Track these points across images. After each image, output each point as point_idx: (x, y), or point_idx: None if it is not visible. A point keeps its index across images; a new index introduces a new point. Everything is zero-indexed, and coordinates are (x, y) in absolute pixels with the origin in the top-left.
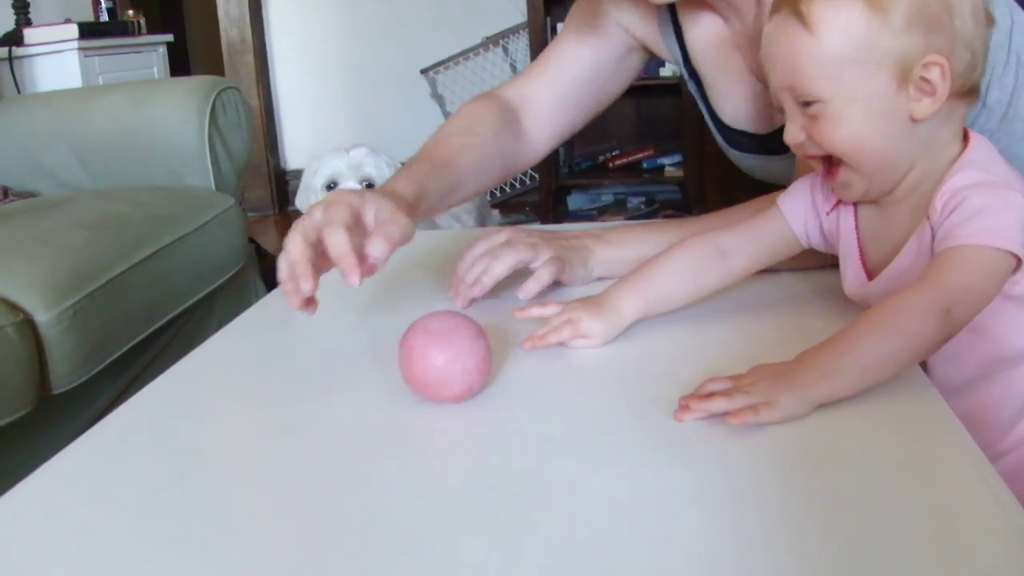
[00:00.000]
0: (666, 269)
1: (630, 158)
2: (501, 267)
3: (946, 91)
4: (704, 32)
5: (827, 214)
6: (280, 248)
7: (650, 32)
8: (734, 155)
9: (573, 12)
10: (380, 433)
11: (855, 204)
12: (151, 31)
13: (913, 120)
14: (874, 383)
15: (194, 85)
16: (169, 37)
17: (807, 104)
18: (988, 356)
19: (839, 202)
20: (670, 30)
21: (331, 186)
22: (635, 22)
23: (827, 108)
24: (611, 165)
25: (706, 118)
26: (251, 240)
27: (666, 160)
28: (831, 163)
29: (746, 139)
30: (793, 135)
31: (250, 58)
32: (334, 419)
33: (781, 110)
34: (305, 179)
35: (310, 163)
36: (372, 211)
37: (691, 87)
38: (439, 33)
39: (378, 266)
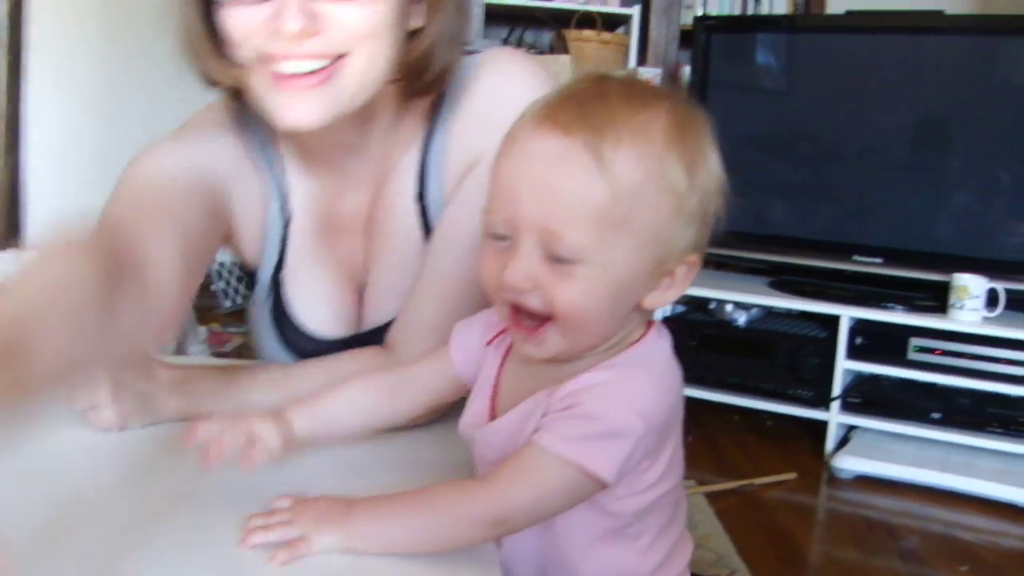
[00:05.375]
0: (343, 400)
1: None
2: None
3: (684, 289)
4: (314, 205)
5: (486, 344)
6: None
7: (249, 205)
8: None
9: (162, 169)
10: None
11: (510, 346)
12: None
13: (640, 307)
14: (408, 553)
15: None
16: None
17: (558, 259)
18: (557, 558)
19: (498, 335)
20: (279, 221)
21: None
22: (239, 190)
23: (581, 270)
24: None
25: (265, 338)
26: None
27: None
28: (535, 319)
29: (327, 345)
30: (521, 281)
31: (2, 127)
32: None
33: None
34: None
35: None
36: None
37: (267, 301)
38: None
39: None
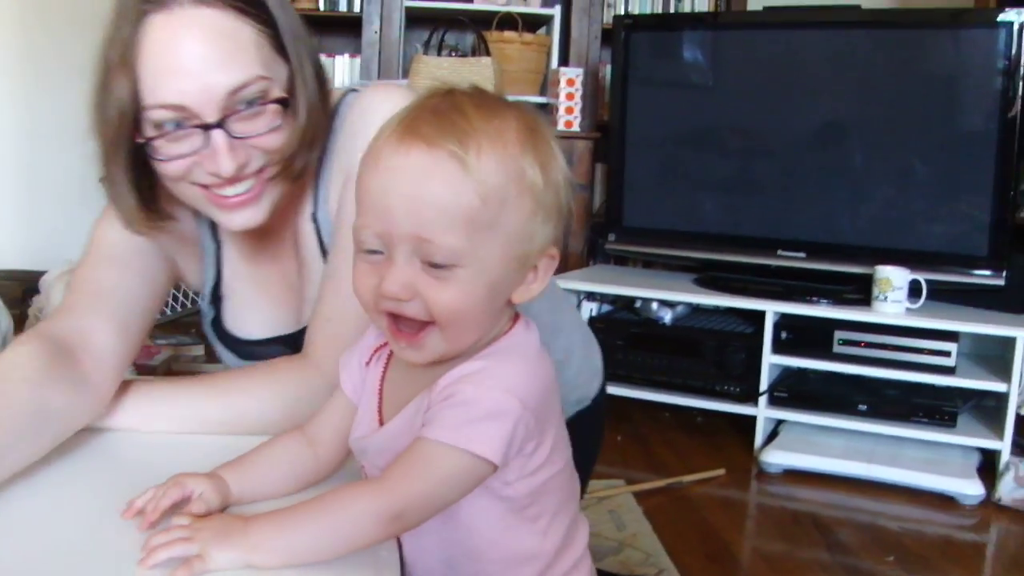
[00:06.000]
0: (266, 456)
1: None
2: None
3: (547, 281)
4: (247, 269)
5: (366, 364)
6: None
7: (186, 256)
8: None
9: (108, 229)
10: None
11: (389, 356)
12: None
13: (510, 301)
14: (310, 562)
15: None
16: None
17: (434, 265)
18: (462, 545)
19: (376, 351)
20: (212, 248)
21: None
22: (176, 247)
23: (458, 273)
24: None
25: (219, 349)
26: None
27: None
28: (414, 325)
29: (278, 345)
30: (399, 291)
31: None
32: None
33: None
34: None
35: None
36: None
37: (208, 316)
38: None
39: None
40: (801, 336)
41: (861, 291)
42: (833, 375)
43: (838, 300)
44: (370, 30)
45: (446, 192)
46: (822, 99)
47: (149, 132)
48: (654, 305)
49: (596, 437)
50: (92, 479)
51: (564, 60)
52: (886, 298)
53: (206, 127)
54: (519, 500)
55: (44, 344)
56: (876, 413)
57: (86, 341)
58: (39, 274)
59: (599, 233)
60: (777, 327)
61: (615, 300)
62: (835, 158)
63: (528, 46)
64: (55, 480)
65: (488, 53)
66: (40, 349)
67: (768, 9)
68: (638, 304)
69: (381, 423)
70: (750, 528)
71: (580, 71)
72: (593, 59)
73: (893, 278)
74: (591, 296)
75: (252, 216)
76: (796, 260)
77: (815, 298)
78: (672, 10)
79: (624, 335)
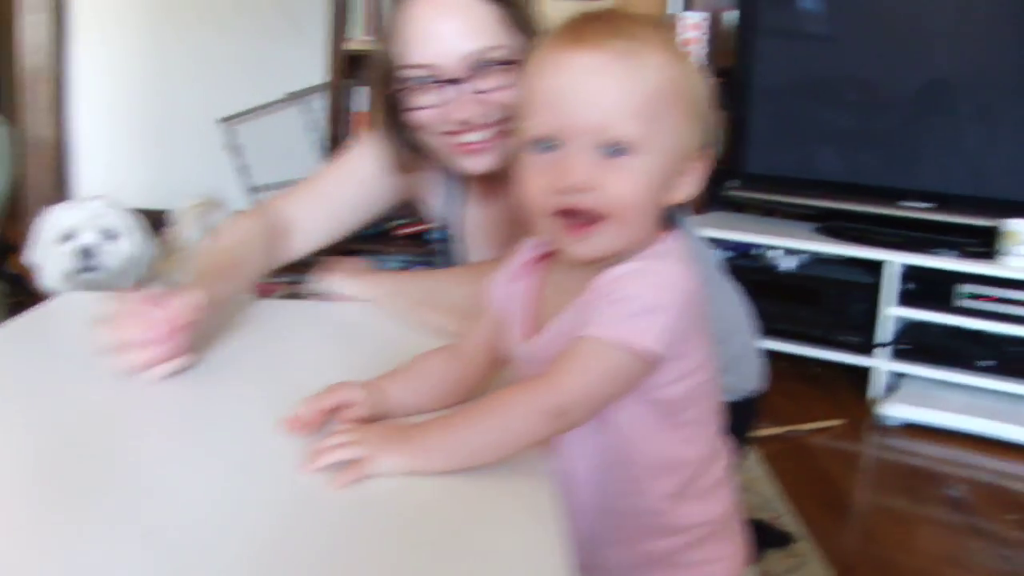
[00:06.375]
0: (421, 367)
1: (416, 228)
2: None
3: (698, 184)
4: (487, 211)
5: (514, 282)
6: None
7: (431, 194)
8: None
9: (357, 152)
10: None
11: (542, 270)
12: None
13: (668, 200)
14: (475, 465)
15: None
16: None
17: (613, 152)
18: (615, 451)
19: (528, 264)
20: (457, 199)
21: (67, 237)
22: (421, 185)
23: (632, 162)
24: (396, 233)
25: None
26: (18, 277)
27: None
28: (583, 219)
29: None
30: (580, 180)
31: (49, 86)
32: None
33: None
34: (40, 233)
35: (45, 216)
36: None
37: (439, 246)
38: (241, 84)
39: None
40: (923, 288)
41: (987, 244)
42: (955, 329)
43: (962, 252)
44: None
45: (620, 86)
46: (949, 47)
47: (404, 86)
48: (774, 253)
49: (749, 425)
50: (256, 390)
51: (688, 3)
52: (1013, 252)
53: (452, 81)
54: (670, 404)
55: (264, 220)
56: (999, 369)
57: (296, 223)
58: (169, 212)
59: (718, 180)
60: (899, 278)
61: (734, 247)
62: (965, 108)
63: None
64: (218, 391)
65: None
66: (258, 222)
67: None
68: (758, 251)
69: (532, 335)
70: (867, 480)
71: (705, 15)
72: (717, 4)
73: (1021, 232)
74: (710, 242)
75: (486, 161)
76: (920, 211)
77: (938, 249)
78: None
79: (743, 282)
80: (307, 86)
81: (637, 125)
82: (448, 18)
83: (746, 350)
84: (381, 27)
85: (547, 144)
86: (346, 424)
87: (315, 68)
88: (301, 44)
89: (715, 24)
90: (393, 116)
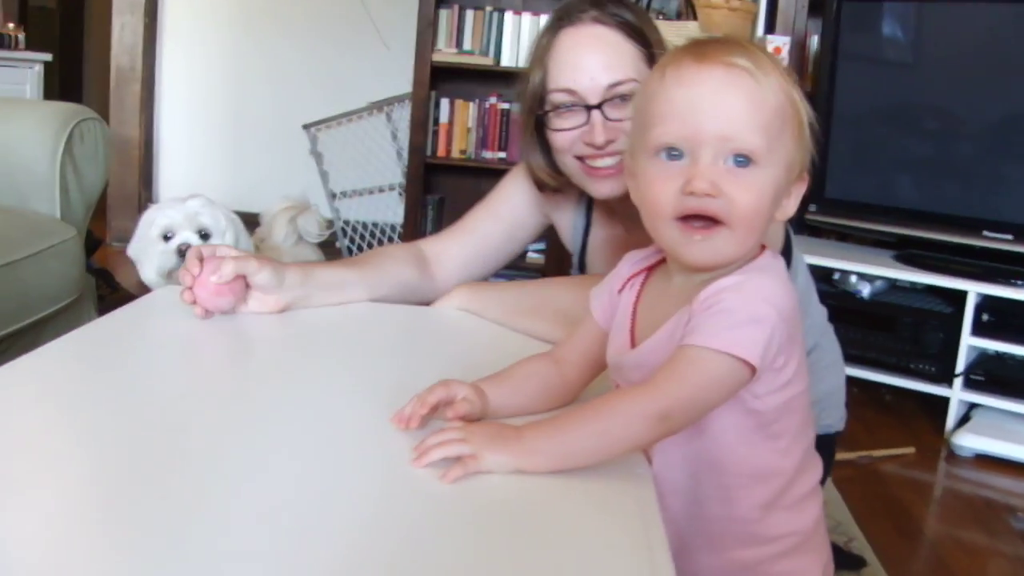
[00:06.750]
0: (522, 371)
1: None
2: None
3: (798, 202)
4: (606, 234)
5: (618, 292)
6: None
7: (564, 221)
8: None
9: (505, 186)
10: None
11: (643, 282)
12: (32, 48)
13: (776, 216)
14: (578, 466)
15: (55, 111)
16: (47, 56)
17: (738, 162)
18: (709, 459)
19: (631, 278)
20: (582, 224)
21: (167, 236)
22: (557, 213)
23: (756, 172)
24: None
25: None
26: (104, 272)
27: (530, 246)
28: (707, 224)
29: None
30: (708, 186)
31: (137, 87)
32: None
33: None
34: (140, 230)
35: (146, 213)
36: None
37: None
38: (325, 92)
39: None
40: (1002, 319)
41: None
42: None
43: None
44: None
45: (746, 99)
46: None
47: (548, 107)
48: (853, 278)
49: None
50: (366, 388)
51: (770, 28)
52: None
53: (589, 107)
54: (766, 415)
55: (413, 249)
56: None
57: (440, 257)
58: (245, 214)
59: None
60: (978, 308)
61: (813, 271)
62: None
63: (735, 12)
64: (334, 389)
65: (695, 17)
66: (410, 250)
67: None
68: (836, 276)
69: (633, 344)
70: (940, 510)
71: (787, 40)
72: (800, 28)
73: None
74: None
75: (614, 187)
76: (1002, 242)
77: (1020, 281)
78: None
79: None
80: (390, 95)
81: (761, 138)
82: (595, 51)
83: (836, 389)
84: (534, 52)
85: (675, 152)
86: (453, 422)
87: (397, 79)
88: (384, 55)
89: (798, 49)
90: (539, 135)
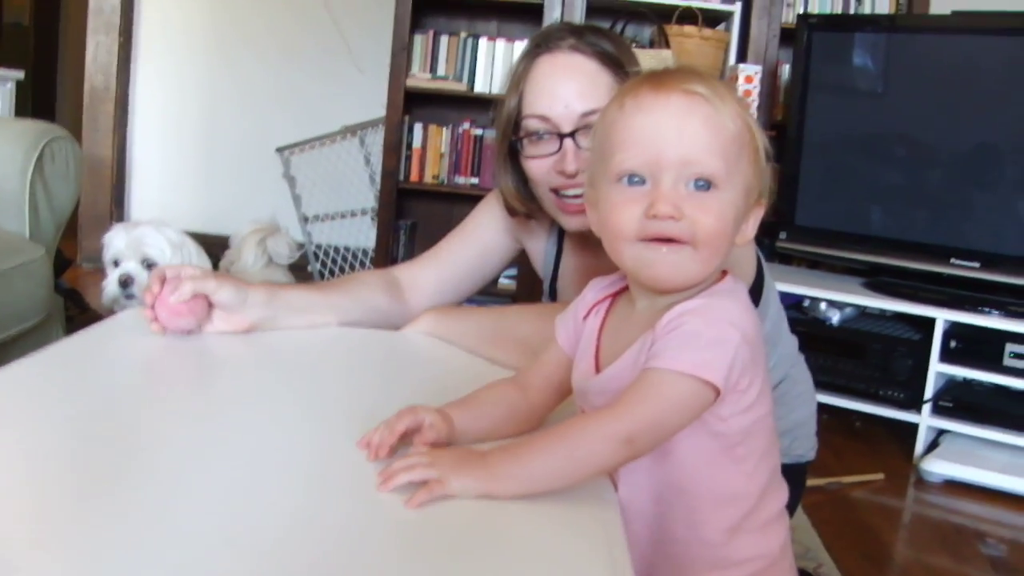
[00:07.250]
0: (488, 397)
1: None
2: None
3: (755, 229)
4: (577, 261)
5: (583, 319)
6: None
7: (536, 248)
8: None
9: (479, 213)
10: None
11: (608, 309)
12: (4, 64)
13: (736, 240)
14: (544, 491)
15: (26, 128)
16: (19, 74)
17: (699, 186)
18: (675, 482)
19: (596, 304)
20: (553, 251)
21: (115, 262)
22: (529, 240)
23: (717, 195)
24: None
25: None
26: (73, 292)
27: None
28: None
29: None
30: (671, 210)
31: (111, 107)
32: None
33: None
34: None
35: (106, 235)
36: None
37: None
38: (298, 115)
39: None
40: (970, 346)
41: None
42: (1001, 388)
43: (1011, 312)
44: (551, 17)
45: (705, 125)
46: (999, 110)
47: (522, 133)
48: (822, 305)
49: (797, 494)
50: (332, 410)
51: (742, 57)
52: None
53: (561, 136)
54: (730, 437)
55: (386, 277)
56: None
57: (414, 283)
58: (216, 237)
59: (767, 231)
60: (946, 335)
61: (783, 298)
62: (1009, 170)
63: (707, 41)
64: (299, 413)
65: (667, 46)
66: (383, 276)
67: (956, 14)
68: (806, 304)
69: (597, 370)
70: (909, 535)
71: (758, 68)
72: (771, 58)
73: None
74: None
75: (586, 221)
76: (969, 269)
77: (987, 308)
78: (851, 11)
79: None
80: (364, 120)
81: (721, 162)
82: (571, 79)
83: (808, 419)
84: (511, 77)
85: (636, 178)
86: (419, 447)
87: (371, 103)
88: (358, 79)
89: (770, 78)
90: (512, 160)
